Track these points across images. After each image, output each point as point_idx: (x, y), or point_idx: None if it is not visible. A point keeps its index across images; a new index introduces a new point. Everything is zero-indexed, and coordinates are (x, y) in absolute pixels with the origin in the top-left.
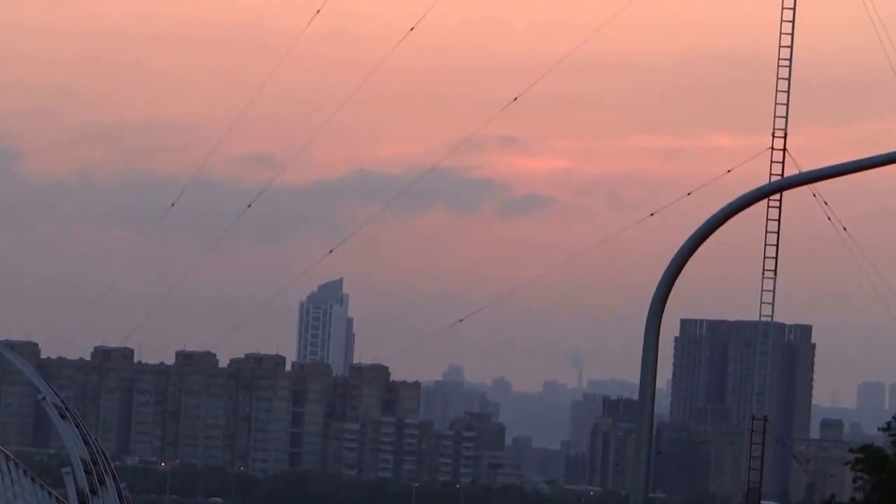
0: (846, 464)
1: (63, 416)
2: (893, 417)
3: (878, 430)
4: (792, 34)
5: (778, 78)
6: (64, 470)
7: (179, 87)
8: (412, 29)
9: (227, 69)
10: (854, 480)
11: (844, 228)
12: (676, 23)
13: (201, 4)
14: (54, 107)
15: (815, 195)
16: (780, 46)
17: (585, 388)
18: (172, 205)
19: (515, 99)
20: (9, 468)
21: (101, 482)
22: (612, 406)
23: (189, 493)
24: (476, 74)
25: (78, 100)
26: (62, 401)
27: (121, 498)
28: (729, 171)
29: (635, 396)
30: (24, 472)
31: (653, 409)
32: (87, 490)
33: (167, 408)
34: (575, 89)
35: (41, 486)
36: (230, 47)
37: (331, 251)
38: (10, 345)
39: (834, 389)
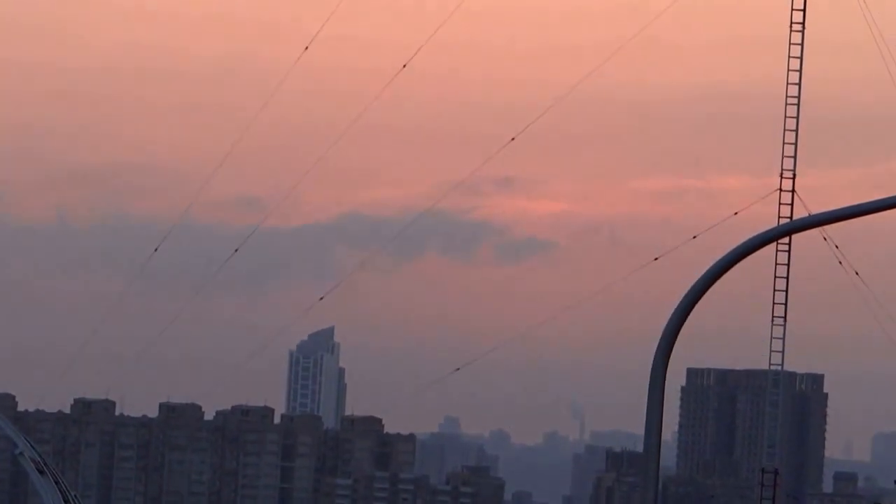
0: None
1: (41, 472)
2: None
3: (895, 483)
4: (800, 71)
5: (786, 117)
6: None
7: (162, 126)
8: (404, 66)
9: (213, 106)
10: None
11: (857, 273)
12: (681, 59)
13: (184, 38)
14: (31, 146)
15: (825, 238)
16: (787, 84)
17: (588, 440)
18: (156, 250)
19: (513, 139)
20: None
21: None
22: (616, 459)
23: None
24: (472, 111)
25: (55, 139)
26: (40, 455)
27: None
28: (736, 213)
29: (640, 449)
30: None
31: (658, 462)
32: None
33: (150, 463)
34: (575, 127)
35: None
36: (216, 83)
37: (321, 298)
38: None
39: (847, 441)
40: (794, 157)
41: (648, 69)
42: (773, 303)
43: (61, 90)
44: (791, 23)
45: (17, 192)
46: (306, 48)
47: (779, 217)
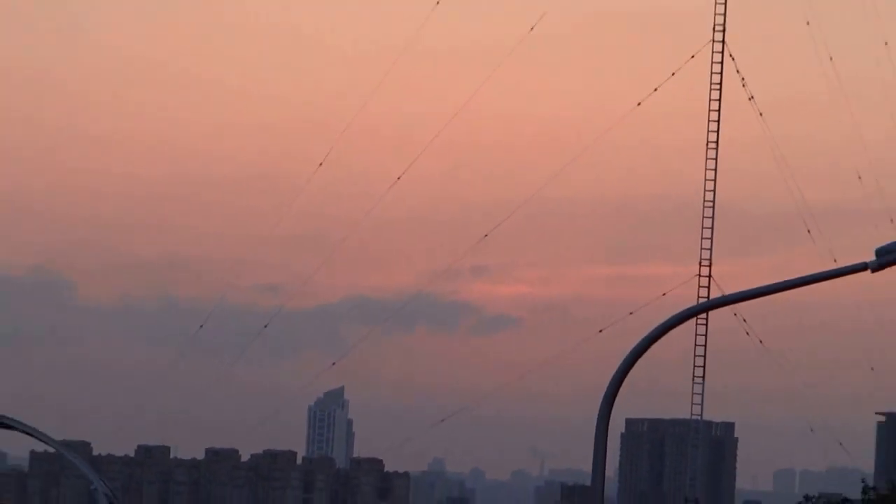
0: None
1: (111, 500)
2: (804, 497)
3: None
4: (714, 181)
5: (703, 217)
6: None
7: (204, 224)
8: (398, 178)
9: (245, 208)
10: None
11: (760, 341)
12: (621, 169)
13: (211, 156)
14: (99, 239)
15: (735, 314)
16: (704, 191)
17: (546, 475)
18: (201, 326)
19: (486, 236)
20: None
21: None
22: (569, 491)
23: None
24: (453, 213)
25: (120, 233)
26: (111, 490)
27: None
28: (664, 294)
29: (588, 482)
30: None
31: (603, 492)
32: None
33: (199, 497)
34: (535, 227)
35: None
36: (245, 189)
37: (333, 364)
38: (68, 444)
39: (754, 475)
40: (710, 249)
41: (599, 176)
42: (694, 365)
43: (122, 193)
44: (706, 142)
45: (87, 279)
46: (320, 164)
47: (698, 297)
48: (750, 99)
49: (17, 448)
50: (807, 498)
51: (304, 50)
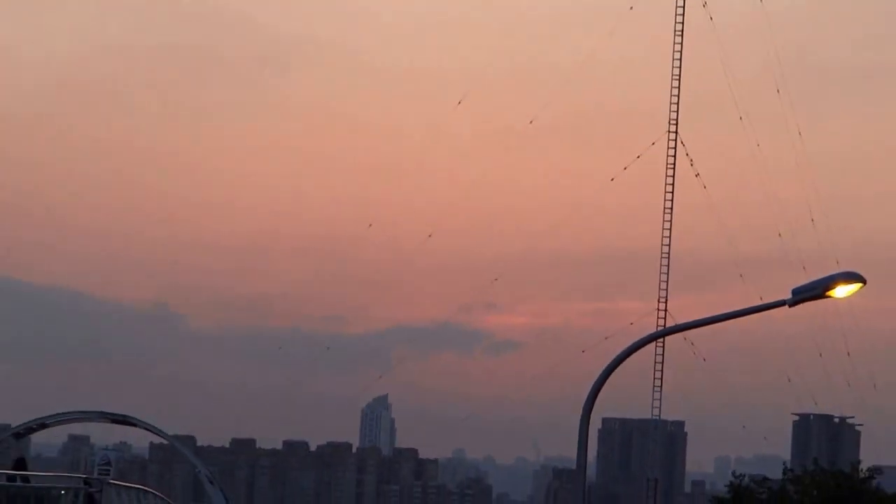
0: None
1: (212, 483)
2: (732, 475)
3: (724, 486)
4: (669, 237)
5: (661, 265)
6: None
7: (284, 270)
8: (429, 236)
9: (314, 260)
10: None
11: (703, 359)
12: (598, 229)
13: (290, 216)
14: (204, 281)
15: (685, 339)
16: (661, 245)
17: (542, 461)
18: (279, 348)
19: (496, 280)
20: None
21: None
22: (559, 473)
23: None
24: (470, 263)
25: (222, 276)
26: (210, 473)
27: None
28: (631, 323)
29: (574, 466)
30: None
31: (584, 473)
32: None
33: (277, 478)
34: (532, 273)
35: None
36: (318, 245)
37: (380, 377)
38: (178, 437)
39: (699, 461)
40: (666, 289)
41: (581, 233)
42: (653, 377)
43: (222, 244)
44: (664, 208)
45: (195, 312)
46: (370, 225)
47: (657, 325)
48: (696, 175)
49: (140, 441)
50: (734, 475)
51: (353, 135)
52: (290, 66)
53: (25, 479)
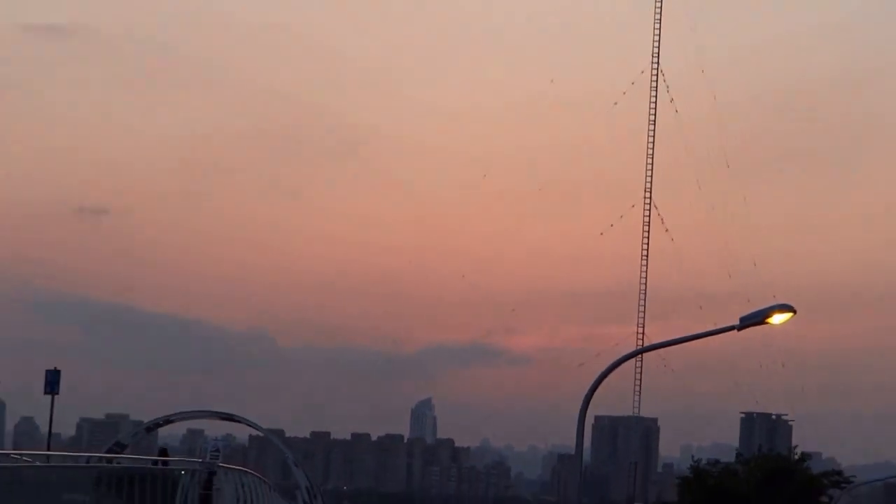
0: (678, 482)
1: (296, 466)
2: (693, 459)
3: (687, 468)
4: (646, 278)
5: (639, 299)
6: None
7: (353, 302)
8: (463, 276)
9: (374, 292)
10: (680, 494)
11: (672, 370)
12: (590, 272)
13: (367, 251)
14: (294, 306)
15: (658, 355)
16: (639, 284)
17: (549, 448)
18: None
19: (514, 310)
20: (271, 492)
21: (314, 499)
22: (562, 457)
23: None
24: (495, 297)
25: (309, 301)
26: (296, 458)
27: None
28: (616, 343)
29: (572, 452)
30: (278, 495)
31: (581, 458)
32: (308, 502)
33: (346, 462)
34: (540, 305)
35: (287, 503)
36: (377, 279)
37: (425, 383)
38: (271, 430)
39: (671, 448)
40: (644, 316)
41: (577, 276)
42: (634, 383)
43: (305, 279)
44: (641, 255)
45: (284, 332)
46: (416, 267)
47: (636, 345)
48: (666, 230)
49: (241, 434)
50: (695, 459)
51: (405, 199)
52: (359, 147)
53: (165, 463)
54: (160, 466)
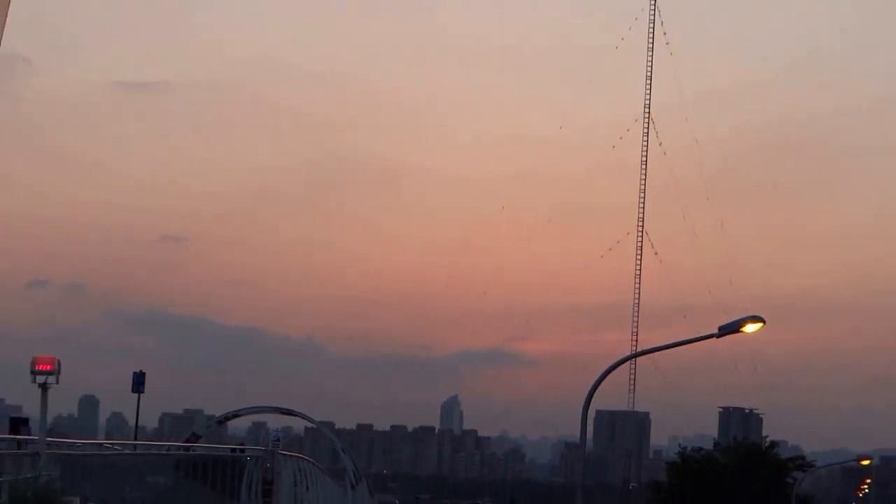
0: (667, 466)
1: (344, 453)
2: (679, 446)
3: (675, 454)
4: (639, 292)
5: (633, 311)
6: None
7: (389, 314)
8: (485, 293)
9: (409, 307)
10: (668, 476)
11: (662, 373)
12: (589, 289)
13: (404, 270)
14: (340, 319)
15: (650, 359)
16: (633, 297)
17: (558, 437)
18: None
19: (528, 320)
20: (322, 475)
21: (359, 481)
22: (569, 445)
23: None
24: (511, 311)
25: (355, 319)
26: (343, 447)
27: (369, 492)
28: (614, 349)
29: (577, 440)
30: (329, 477)
31: (585, 445)
32: (354, 483)
33: (383, 452)
34: (549, 317)
35: (336, 484)
36: (416, 296)
37: (452, 383)
38: (322, 423)
39: (661, 437)
40: (637, 326)
41: (578, 293)
42: (629, 383)
43: (351, 295)
44: (635, 274)
45: (332, 342)
46: (446, 286)
47: (631, 350)
48: (655, 253)
49: (298, 426)
50: (681, 447)
51: (437, 224)
52: (402, 182)
53: (241, 450)
54: (230, 454)
